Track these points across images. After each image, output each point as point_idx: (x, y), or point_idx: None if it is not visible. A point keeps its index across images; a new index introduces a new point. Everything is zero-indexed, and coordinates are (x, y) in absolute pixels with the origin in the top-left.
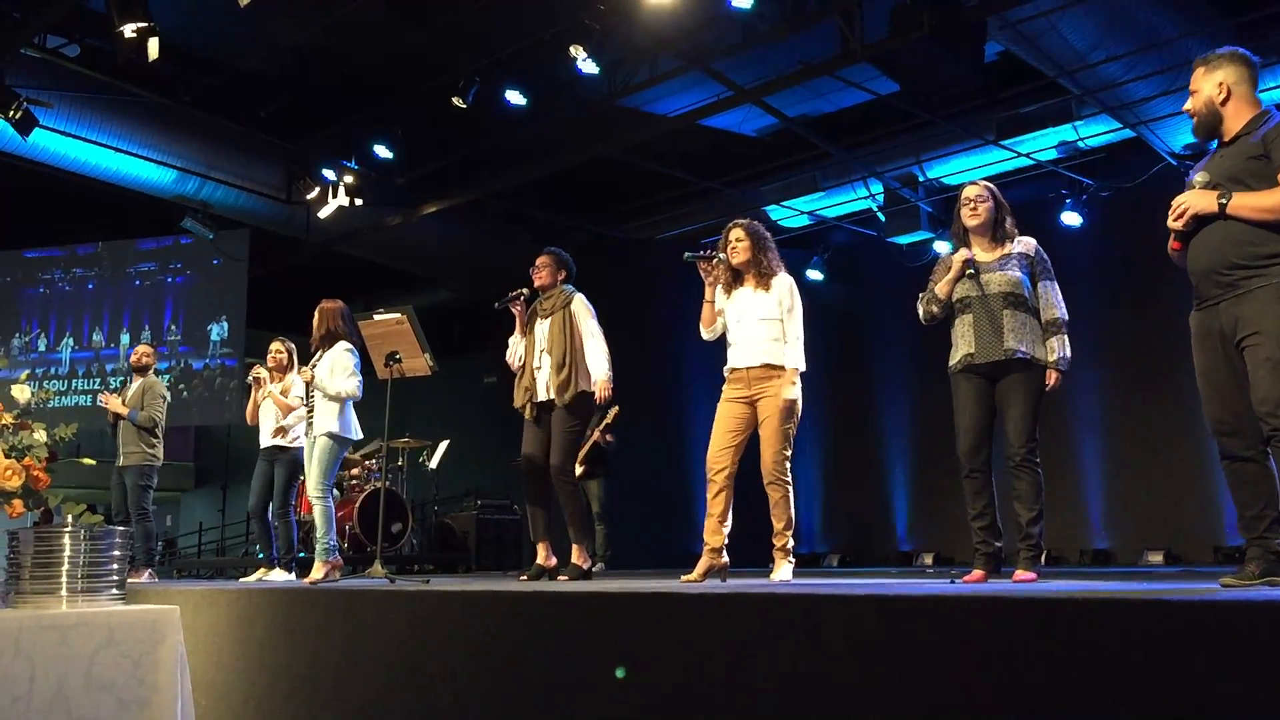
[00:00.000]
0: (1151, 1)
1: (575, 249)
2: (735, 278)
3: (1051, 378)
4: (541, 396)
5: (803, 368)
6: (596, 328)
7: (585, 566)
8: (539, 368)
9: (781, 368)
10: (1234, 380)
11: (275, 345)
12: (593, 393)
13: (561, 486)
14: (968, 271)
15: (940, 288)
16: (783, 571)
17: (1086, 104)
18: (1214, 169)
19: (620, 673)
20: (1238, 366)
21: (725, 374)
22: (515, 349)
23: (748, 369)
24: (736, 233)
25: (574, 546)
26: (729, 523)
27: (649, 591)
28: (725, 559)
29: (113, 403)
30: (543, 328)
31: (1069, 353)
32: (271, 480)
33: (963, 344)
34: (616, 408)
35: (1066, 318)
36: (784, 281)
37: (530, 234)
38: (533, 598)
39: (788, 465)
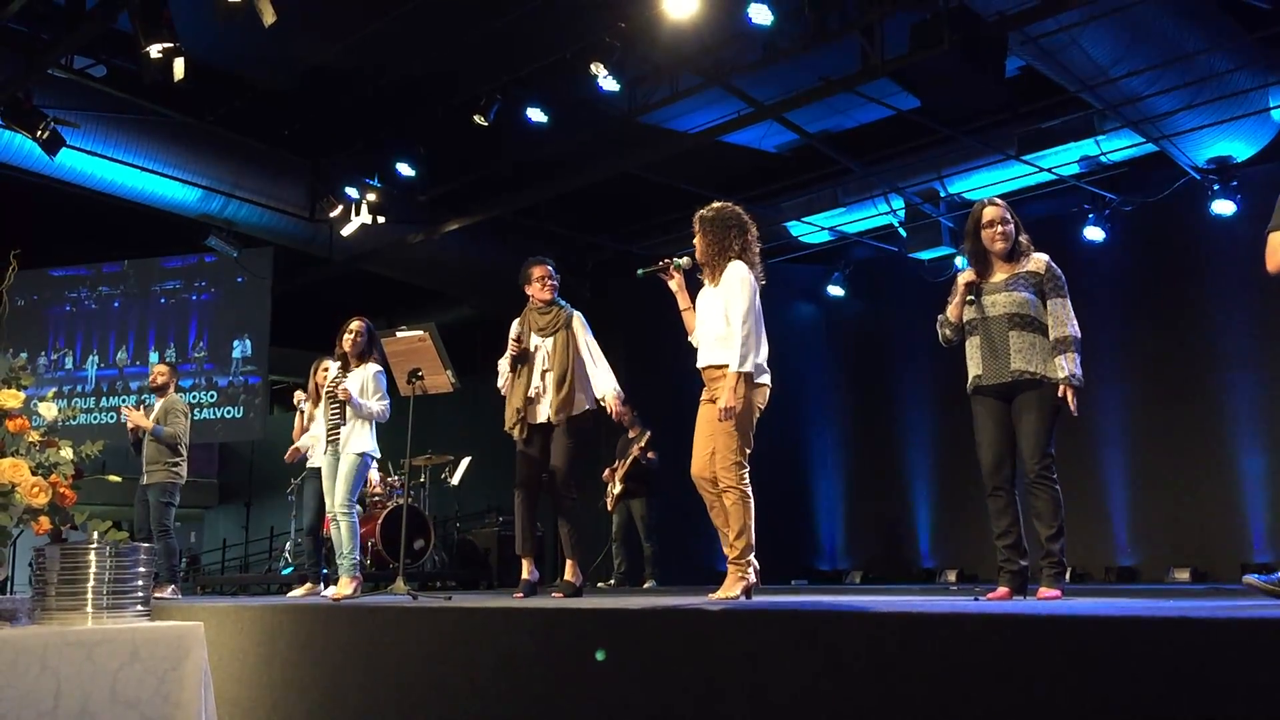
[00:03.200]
0: (1173, 15)
1: (596, 265)
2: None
3: (1068, 394)
4: (540, 418)
5: (743, 368)
6: (597, 346)
7: (578, 583)
8: (537, 387)
9: (725, 366)
10: None
11: (326, 363)
12: (593, 410)
13: (563, 498)
14: (968, 298)
15: (950, 311)
16: (731, 589)
17: (1108, 118)
18: None
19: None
20: None
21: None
22: (505, 372)
23: (703, 369)
24: (694, 226)
25: (568, 562)
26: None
27: (671, 608)
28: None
29: (135, 416)
30: (545, 345)
31: (1080, 370)
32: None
33: (972, 366)
34: (649, 432)
35: (1078, 335)
36: (730, 272)
37: (552, 251)
38: (555, 615)
39: (741, 472)
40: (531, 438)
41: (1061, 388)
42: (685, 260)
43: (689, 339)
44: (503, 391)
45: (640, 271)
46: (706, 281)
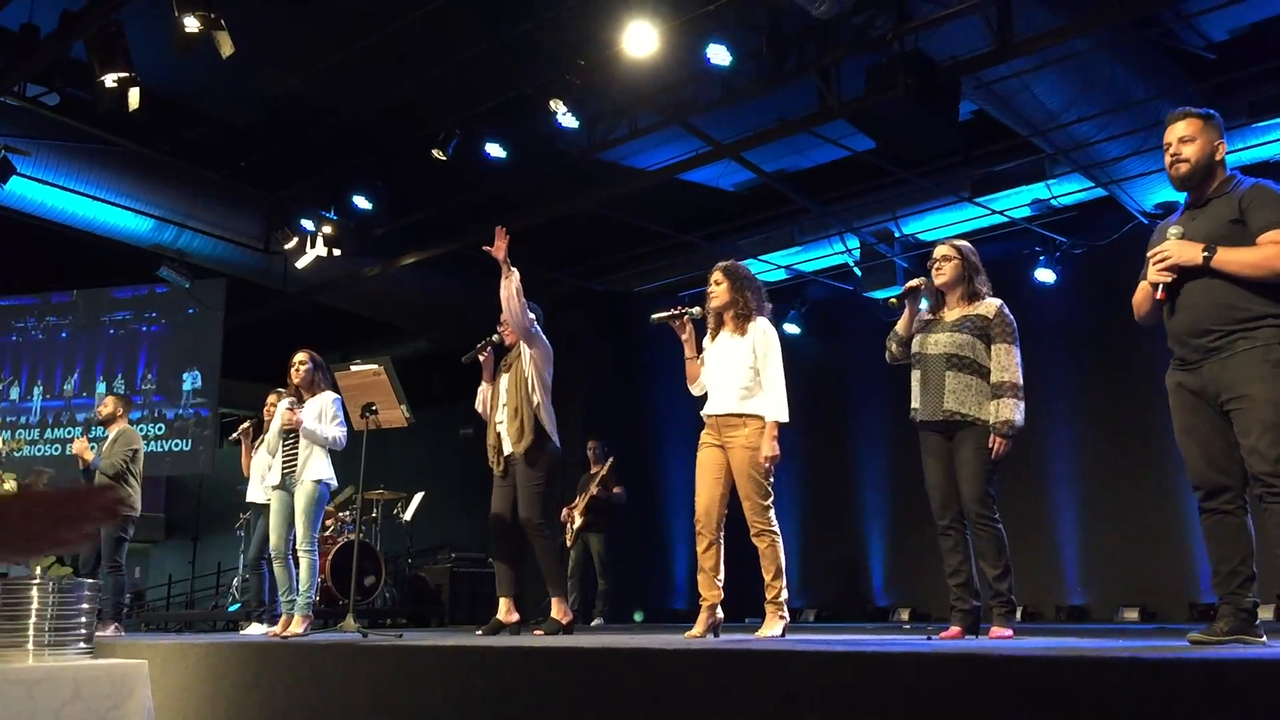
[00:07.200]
0: (1123, 63)
1: (555, 301)
2: (718, 322)
3: (994, 442)
4: (506, 450)
5: (782, 419)
6: (538, 376)
7: (565, 621)
8: (500, 422)
9: (749, 416)
10: (1220, 437)
11: (270, 398)
12: (550, 439)
13: (535, 538)
14: (910, 287)
15: (900, 325)
16: (773, 628)
17: (1059, 163)
18: (1190, 229)
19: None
20: (1223, 424)
21: (703, 419)
22: (482, 396)
23: (717, 416)
24: (715, 275)
25: (553, 600)
26: (721, 575)
27: (623, 647)
28: (720, 614)
29: (79, 445)
30: (504, 381)
31: (1018, 418)
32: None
33: (912, 398)
34: (612, 459)
35: (1019, 382)
36: (759, 326)
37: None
38: (507, 653)
39: (770, 514)
40: (506, 471)
41: (993, 436)
42: (697, 311)
43: (689, 386)
44: (483, 416)
45: (654, 318)
46: (727, 331)
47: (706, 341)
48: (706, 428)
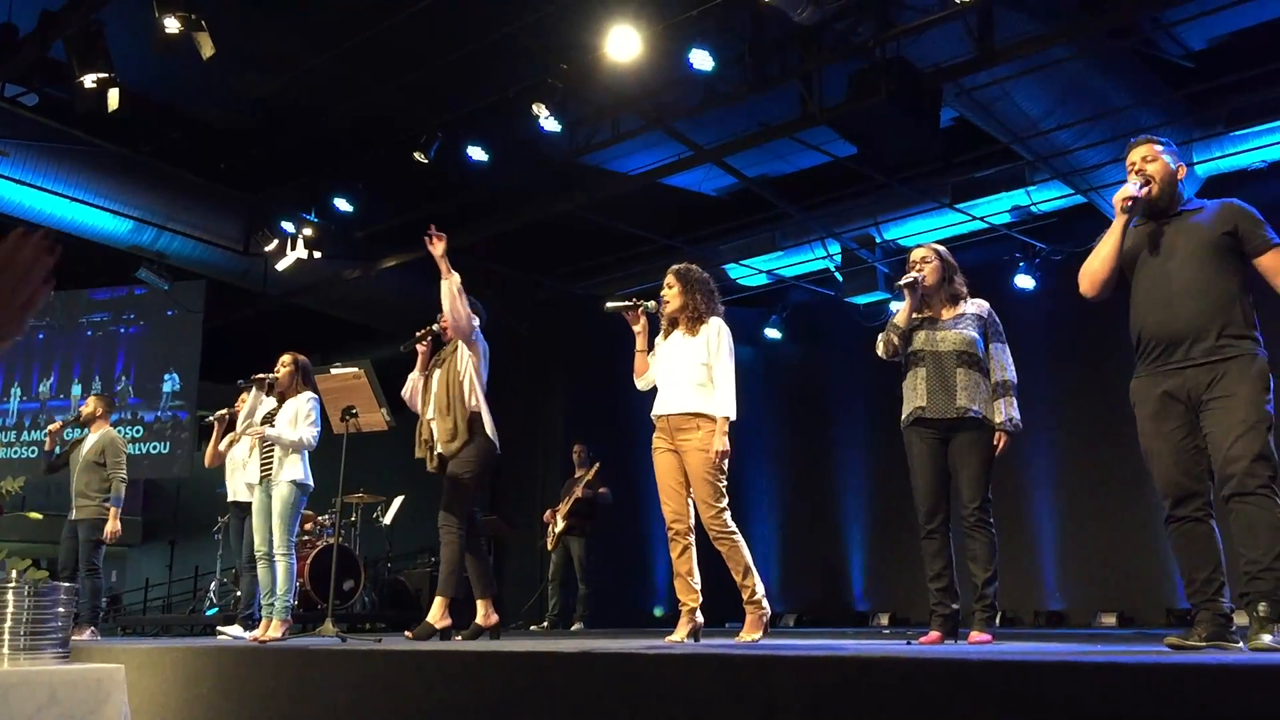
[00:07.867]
0: (1102, 72)
1: (535, 305)
2: (672, 325)
3: (1000, 439)
4: (439, 448)
5: (731, 416)
6: (474, 371)
7: (440, 626)
8: (431, 418)
9: (702, 415)
10: (1191, 441)
11: (242, 396)
12: (485, 437)
13: (443, 532)
14: (913, 279)
15: (899, 317)
16: (753, 631)
17: (1039, 170)
18: (1168, 236)
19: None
20: (1194, 428)
21: (653, 420)
22: (412, 385)
23: (668, 416)
24: (668, 279)
25: (436, 600)
26: (697, 578)
27: (603, 652)
28: (700, 619)
29: (55, 426)
30: (436, 377)
31: (1018, 415)
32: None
33: (914, 397)
34: (598, 464)
35: (1015, 380)
36: (712, 325)
37: (490, 290)
38: (485, 658)
39: (726, 516)
40: (442, 468)
41: (999, 434)
42: (652, 304)
43: (635, 379)
44: (407, 403)
45: (608, 306)
46: (679, 331)
47: (659, 340)
48: (657, 430)
